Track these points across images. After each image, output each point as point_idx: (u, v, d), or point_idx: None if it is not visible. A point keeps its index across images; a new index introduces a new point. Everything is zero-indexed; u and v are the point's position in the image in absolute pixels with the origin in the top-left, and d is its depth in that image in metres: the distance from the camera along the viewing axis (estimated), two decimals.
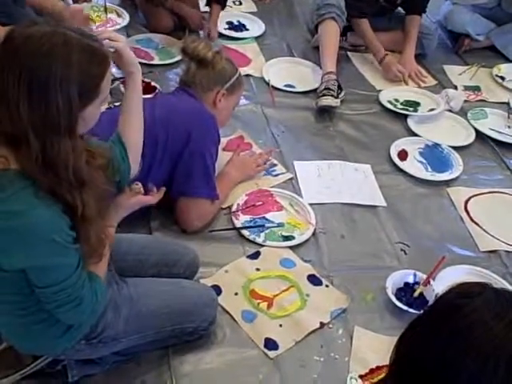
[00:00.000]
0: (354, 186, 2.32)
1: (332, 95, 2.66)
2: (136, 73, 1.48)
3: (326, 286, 1.91)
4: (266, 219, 2.12)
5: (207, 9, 3.08)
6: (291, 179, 2.32)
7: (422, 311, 1.79)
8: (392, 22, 3.21)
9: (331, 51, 2.85)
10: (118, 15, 3.10)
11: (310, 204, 2.19)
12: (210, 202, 2.01)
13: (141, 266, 1.65)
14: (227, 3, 3.06)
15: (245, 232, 2.04)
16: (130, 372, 1.61)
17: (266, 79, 2.86)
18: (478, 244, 2.14)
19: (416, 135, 2.63)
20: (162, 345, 1.63)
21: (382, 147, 2.56)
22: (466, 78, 3.11)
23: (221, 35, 3.15)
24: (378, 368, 1.69)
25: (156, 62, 2.87)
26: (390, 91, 2.89)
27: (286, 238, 2.05)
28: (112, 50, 1.40)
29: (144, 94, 2.50)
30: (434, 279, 1.90)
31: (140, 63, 2.68)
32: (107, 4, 3.00)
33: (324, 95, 2.66)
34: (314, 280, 1.92)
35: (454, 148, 2.56)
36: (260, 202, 2.18)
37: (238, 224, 2.07)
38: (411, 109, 2.79)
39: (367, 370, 1.68)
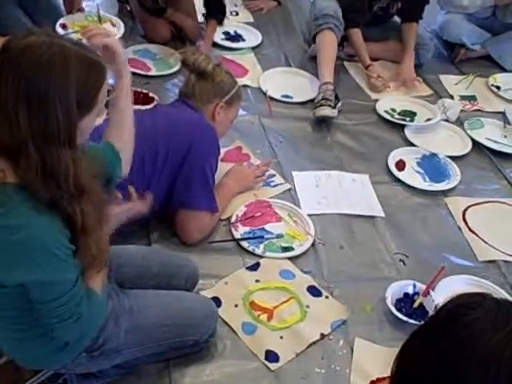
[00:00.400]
0: (353, 197, 2.33)
1: (329, 105, 2.67)
2: (125, 70, 1.48)
3: (326, 297, 1.91)
4: (265, 230, 2.12)
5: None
6: (290, 190, 2.33)
7: (422, 322, 1.82)
8: (387, 31, 3.23)
9: (328, 61, 2.86)
10: (113, 25, 3.08)
11: (309, 215, 2.19)
12: (210, 214, 2.02)
13: (141, 278, 1.64)
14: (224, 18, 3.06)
15: (244, 243, 2.04)
16: None
17: (264, 89, 2.87)
18: (477, 254, 2.15)
19: (413, 145, 2.64)
20: (163, 357, 1.63)
21: (380, 157, 2.56)
22: (461, 87, 3.13)
23: (217, 45, 3.16)
24: (379, 380, 1.68)
25: (153, 72, 2.88)
26: (387, 101, 2.91)
27: (286, 249, 2.05)
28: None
29: (142, 104, 2.57)
30: (433, 290, 1.90)
31: (137, 74, 2.80)
32: (101, 13, 3.01)
33: (321, 105, 2.67)
34: (313, 291, 1.92)
35: (451, 158, 2.57)
36: (259, 213, 2.18)
37: (238, 235, 2.08)
38: (408, 119, 2.81)
39: (368, 382, 1.67)
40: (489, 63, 3.35)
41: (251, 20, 3.51)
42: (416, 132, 2.72)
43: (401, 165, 2.52)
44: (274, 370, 1.68)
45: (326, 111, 2.65)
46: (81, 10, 3.02)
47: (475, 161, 2.63)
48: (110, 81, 1.34)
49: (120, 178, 1.52)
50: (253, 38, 3.31)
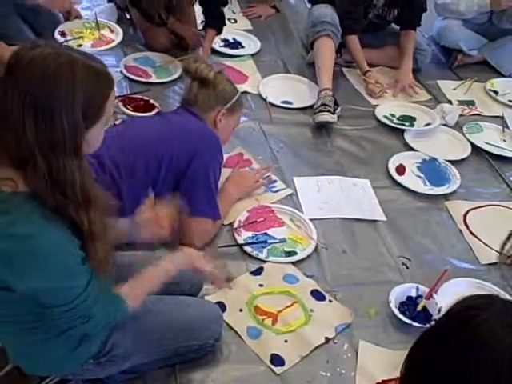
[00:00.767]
0: (354, 201, 2.34)
1: (329, 111, 2.69)
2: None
3: (330, 301, 1.92)
4: (268, 235, 2.13)
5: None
6: (291, 195, 2.34)
7: (426, 325, 1.83)
8: (384, 37, 3.25)
9: (327, 68, 2.88)
10: (111, 31, 3.10)
11: (311, 219, 2.21)
12: (212, 221, 2.02)
13: None
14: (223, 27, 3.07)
15: (247, 248, 2.05)
16: None
17: (263, 96, 2.89)
18: (478, 257, 2.16)
19: (413, 150, 2.66)
20: (169, 362, 1.63)
21: (380, 162, 2.58)
22: (460, 92, 3.15)
23: (217, 53, 3.18)
24: (384, 382, 1.69)
25: (154, 80, 2.90)
26: (386, 106, 2.92)
27: (289, 254, 2.06)
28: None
29: (143, 112, 2.59)
30: (436, 293, 1.91)
31: (138, 81, 2.81)
32: (99, 20, 3.03)
33: (321, 111, 2.69)
34: (317, 295, 1.93)
35: (451, 162, 2.59)
36: (261, 219, 2.19)
37: (241, 240, 2.08)
38: (407, 123, 2.83)
39: None
40: (486, 68, 3.37)
41: (250, 27, 3.52)
42: (415, 137, 2.74)
43: (401, 169, 2.54)
44: (279, 373, 1.69)
45: (325, 117, 2.66)
46: (78, 17, 3.04)
47: (475, 165, 2.65)
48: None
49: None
50: (252, 45, 3.33)
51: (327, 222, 2.23)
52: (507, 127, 2.87)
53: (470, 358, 0.94)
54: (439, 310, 1.86)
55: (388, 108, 2.92)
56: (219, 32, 3.03)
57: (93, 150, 1.23)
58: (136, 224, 1.54)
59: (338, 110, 2.78)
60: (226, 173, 2.27)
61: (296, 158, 2.56)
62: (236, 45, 3.28)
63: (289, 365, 1.71)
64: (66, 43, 2.78)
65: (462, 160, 2.64)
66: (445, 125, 2.84)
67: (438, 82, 3.22)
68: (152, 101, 2.65)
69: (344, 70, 3.19)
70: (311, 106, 2.82)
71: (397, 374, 1.72)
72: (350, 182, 2.44)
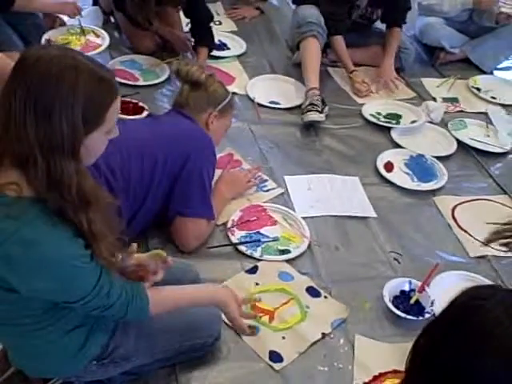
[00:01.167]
0: (345, 199, 2.37)
1: (317, 110, 2.72)
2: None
3: (325, 297, 1.94)
4: (261, 234, 2.15)
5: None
6: (282, 194, 2.36)
7: (420, 317, 1.86)
8: (369, 37, 3.29)
9: (314, 67, 2.91)
10: (97, 36, 3.10)
11: (303, 217, 2.23)
12: (207, 221, 2.04)
13: None
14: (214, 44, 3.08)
15: (242, 247, 2.07)
16: None
17: (251, 97, 2.91)
18: (468, 250, 2.20)
19: (400, 147, 2.70)
20: (170, 362, 1.65)
21: (368, 160, 2.62)
22: (443, 90, 3.20)
23: None
24: (381, 375, 1.73)
25: (141, 82, 2.90)
26: (373, 105, 2.96)
27: (282, 252, 2.09)
28: None
29: (132, 114, 2.59)
30: (428, 286, 1.95)
31: (126, 84, 2.82)
32: (83, 25, 3.03)
33: (309, 111, 2.72)
34: (312, 292, 1.96)
35: (438, 158, 2.64)
36: (254, 218, 2.21)
37: (234, 240, 2.10)
38: (394, 121, 2.87)
39: (371, 377, 1.71)
40: (468, 66, 3.44)
41: (235, 29, 3.55)
42: (402, 134, 2.78)
43: (389, 166, 2.58)
44: (278, 370, 1.71)
45: (314, 116, 2.70)
46: (62, 24, 3.04)
47: (461, 160, 2.70)
48: None
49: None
50: (237, 46, 3.35)
51: (319, 219, 2.26)
52: (491, 123, 2.93)
53: (476, 348, 0.96)
54: (432, 303, 1.90)
55: (374, 106, 2.96)
56: (211, 49, 3.03)
57: (94, 158, 1.24)
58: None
59: (326, 109, 2.81)
60: (216, 173, 2.29)
61: (286, 158, 2.59)
62: (222, 46, 3.30)
63: (287, 361, 1.73)
64: None
65: (448, 156, 2.69)
66: (430, 122, 2.89)
67: (422, 79, 3.27)
68: (141, 103, 2.66)
69: (330, 69, 3.23)
70: (299, 106, 2.85)
71: (393, 366, 1.78)
72: (340, 180, 2.47)
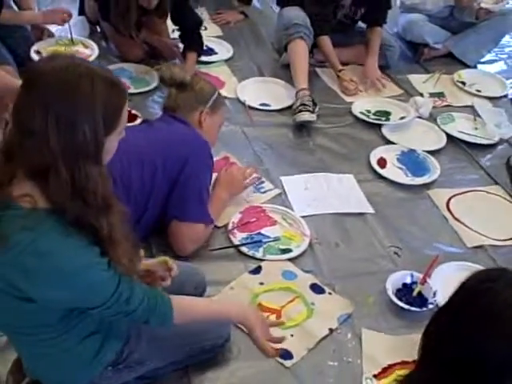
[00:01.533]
0: (341, 196, 2.41)
1: (308, 110, 2.75)
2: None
3: (329, 293, 1.97)
4: (262, 234, 2.17)
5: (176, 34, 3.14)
6: (280, 194, 2.39)
7: (423, 308, 1.89)
8: (353, 36, 3.33)
9: (302, 68, 2.94)
10: (86, 47, 3.11)
11: (302, 216, 2.26)
12: (204, 225, 2.05)
13: None
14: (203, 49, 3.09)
15: (244, 248, 2.10)
16: None
17: (242, 100, 2.93)
18: (465, 241, 2.25)
19: (391, 143, 2.74)
20: (182, 365, 1.66)
21: (361, 157, 2.66)
22: (429, 85, 3.26)
23: None
24: (390, 366, 1.75)
25: (132, 90, 2.90)
26: (362, 103, 3.00)
27: (284, 251, 2.11)
28: None
29: (127, 122, 2.58)
30: (429, 277, 1.99)
31: None
32: (73, 36, 3.03)
33: (300, 111, 2.75)
34: (316, 289, 1.98)
35: (429, 152, 2.68)
36: (254, 219, 2.23)
37: (236, 241, 2.12)
38: (383, 118, 2.91)
39: (380, 370, 1.74)
40: (452, 60, 3.49)
41: (220, 33, 3.57)
42: (392, 130, 2.83)
43: (382, 162, 2.62)
44: (289, 367, 1.73)
45: (305, 116, 2.73)
46: (50, 35, 3.05)
47: (451, 153, 2.74)
48: None
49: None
50: (224, 50, 3.37)
51: (318, 218, 2.29)
52: (478, 116, 2.98)
53: (487, 330, 0.98)
54: (434, 294, 1.93)
55: (363, 104, 3.00)
56: (199, 54, 3.04)
57: (109, 158, 1.25)
58: None
59: (317, 109, 2.85)
60: (213, 178, 2.30)
61: (280, 159, 2.61)
62: (209, 51, 3.32)
63: (297, 358, 1.75)
64: None
65: (439, 150, 2.74)
66: (419, 117, 2.94)
67: (408, 76, 3.32)
68: (134, 111, 2.67)
69: (317, 69, 3.26)
70: (289, 107, 2.88)
71: (401, 357, 1.80)
72: (336, 178, 2.50)
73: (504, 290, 1.00)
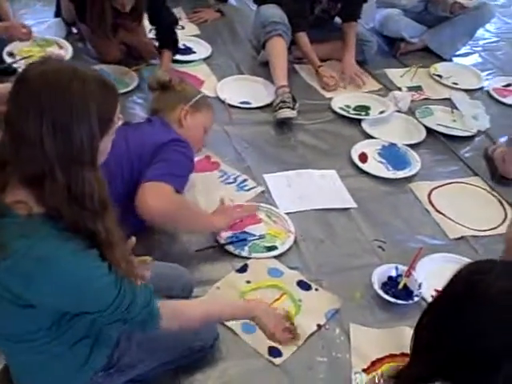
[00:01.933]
0: (324, 192, 2.42)
1: (288, 107, 2.76)
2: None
3: (316, 289, 1.98)
4: (247, 233, 2.18)
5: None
6: (263, 192, 2.39)
7: (409, 301, 1.91)
8: (330, 32, 3.34)
9: (281, 66, 2.95)
10: (60, 47, 3.07)
11: (286, 213, 2.27)
12: (170, 187, 1.85)
13: None
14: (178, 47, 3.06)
15: (229, 247, 2.10)
16: None
17: (222, 98, 2.93)
18: (447, 232, 2.27)
19: (372, 137, 2.76)
20: (172, 366, 1.66)
21: (343, 152, 2.67)
22: (407, 79, 3.28)
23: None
24: (379, 360, 1.77)
25: None
26: (341, 98, 3.02)
27: (269, 249, 2.12)
28: None
29: None
30: (414, 270, 2.01)
31: None
32: (47, 37, 3.01)
33: (281, 108, 2.76)
34: (303, 285, 1.99)
35: (409, 146, 2.71)
36: None
37: (222, 241, 2.12)
38: (363, 113, 2.93)
39: (369, 364, 1.76)
40: (428, 54, 3.53)
41: (198, 32, 3.55)
42: (372, 125, 2.85)
43: (363, 157, 2.64)
44: (278, 364, 1.74)
45: (286, 113, 2.74)
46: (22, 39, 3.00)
47: (431, 146, 2.77)
48: None
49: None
50: (202, 49, 3.36)
51: (302, 214, 2.30)
52: (456, 108, 3.01)
53: (485, 321, 0.99)
54: (419, 286, 1.96)
55: (343, 100, 3.02)
56: (174, 53, 3.03)
57: (103, 159, 1.25)
58: None
59: (297, 105, 2.85)
60: (195, 177, 2.29)
61: (262, 156, 2.62)
62: (187, 51, 3.30)
63: (286, 355, 1.76)
64: (15, 64, 2.76)
65: (419, 143, 2.76)
66: (398, 111, 2.96)
67: (386, 70, 3.34)
68: None
69: (296, 66, 3.27)
70: (270, 105, 2.88)
71: (389, 351, 1.82)
72: (318, 174, 2.52)
73: (497, 279, 1.02)
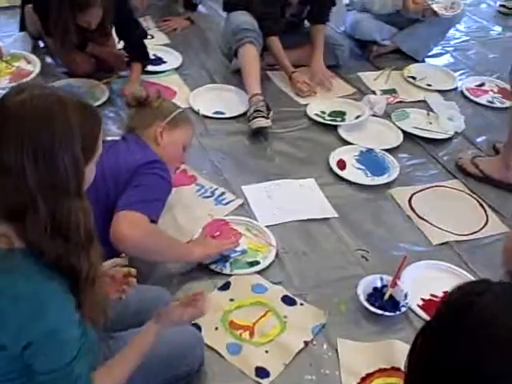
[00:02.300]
0: (304, 202, 2.38)
1: (263, 116, 2.72)
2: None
3: (301, 304, 1.94)
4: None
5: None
6: (242, 205, 2.35)
7: (396, 312, 1.88)
8: (301, 37, 3.31)
9: (254, 74, 2.91)
10: (28, 62, 3.00)
11: (267, 226, 2.22)
12: (145, 217, 1.77)
13: (122, 318, 1.60)
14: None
15: (211, 265, 2.04)
16: None
17: (195, 109, 2.87)
18: (430, 238, 2.25)
19: (349, 143, 2.73)
20: None
21: (320, 160, 2.64)
22: (381, 82, 3.27)
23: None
24: (368, 375, 1.74)
25: None
26: (316, 104, 2.99)
27: (251, 264, 2.07)
28: None
29: None
30: (399, 279, 1.98)
31: None
32: (13, 51, 2.93)
33: (255, 117, 2.71)
34: (287, 300, 1.95)
35: (387, 150, 2.68)
36: (217, 233, 2.18)
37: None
38: (339, 119, 2.90)
39: (359, 380, 1.72)
40: (400, 56, 3.52)
41: (167, 41, 3.50)
42: (349, 130, 2.82)
43: (341, 164, 2.60)
44: None
45: (261, 122, 2.69)
46: None
47: (409, 150, 2.75)
48: None
49: None
50: (173, 58, 3.30)
51: (283, 226, 2.26)
52: (431, 110, 3.01)
53: (477, 345, 0.96)
54: (406, 296, 1.93)
55: (318, 106, 2.98)
56: (145, 65, 2.97)
57: (87, 186, 1.19)
58: None
59: (271, 113, 2.81)
60: (172, 192, 2.23)
61: (239, 167, 2.57)
62: (158, 61, 3.24)
63: (274, 375, 1.71)
64: None
65: (397, 147, 2.74)
66: (374, 115, 2.94)
67: (359, 74, 3.32)
68: None
69: (269, 73, 3.23)
70: (244, 114, 2.84)
71: (378, 365, 1.79)
72: (297, 184, 2.48)
73: (491, 302, 0.98)
